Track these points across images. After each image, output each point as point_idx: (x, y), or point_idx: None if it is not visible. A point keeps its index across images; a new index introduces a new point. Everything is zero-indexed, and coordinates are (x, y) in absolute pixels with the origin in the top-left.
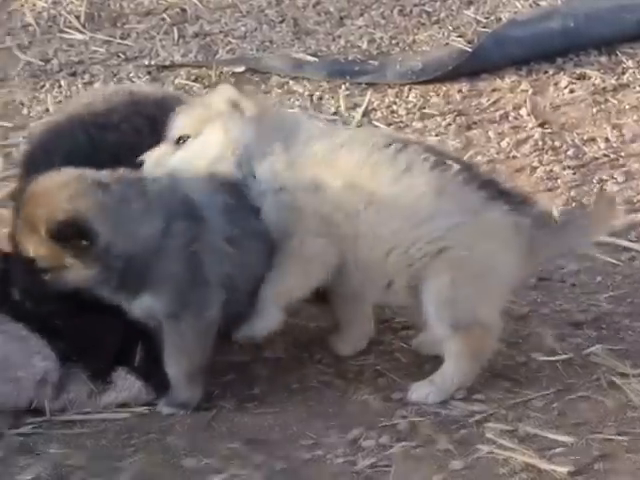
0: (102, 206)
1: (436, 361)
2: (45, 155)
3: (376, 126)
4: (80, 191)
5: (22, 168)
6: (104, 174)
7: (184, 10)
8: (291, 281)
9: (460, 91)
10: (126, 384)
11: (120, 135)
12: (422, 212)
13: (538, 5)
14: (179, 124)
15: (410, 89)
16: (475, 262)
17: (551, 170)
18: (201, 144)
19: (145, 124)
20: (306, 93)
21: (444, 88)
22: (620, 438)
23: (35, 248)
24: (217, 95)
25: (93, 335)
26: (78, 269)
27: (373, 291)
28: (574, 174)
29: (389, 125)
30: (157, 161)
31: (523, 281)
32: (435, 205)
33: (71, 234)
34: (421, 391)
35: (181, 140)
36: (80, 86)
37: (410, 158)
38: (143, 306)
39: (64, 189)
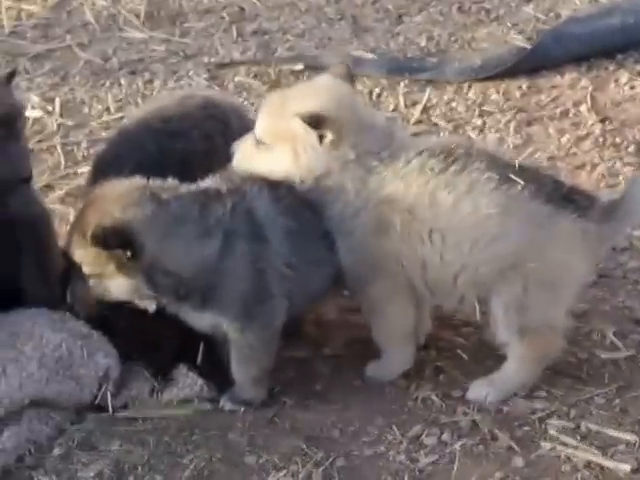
0: (153, 220)
1: (497, 358)
2: (115, 160)
3: (435, 123)
4: (134, 202)
5: (91, 171)
6: (167, 189)
7: (242, 8)
8: (390, 322)
9: (520, 88)
10: (187, 381)
11: (190, 142)
12: (488, 234)
13: (597, 1)
14: (260, 124)
15: (469, 86)
16: (546, 271)
17: (612, 166)
18: (271, 160)
19: (217, 130)
20: (365, 90)
21: (503, 85)
22: None
23: (80, 252)
24: (301, 100)
25: (155, 332)
26: (119, 279)
27: (445, 304)
28: (635, 170)
29: (449, 122)
30: (244, 156)
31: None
32: (502, 225)
33: (114, 242)
34: (480, 390)
35: (259, 143)
36: (140, 84)
37: (471, 179)
38: (208, 321)
39: (120, 198)
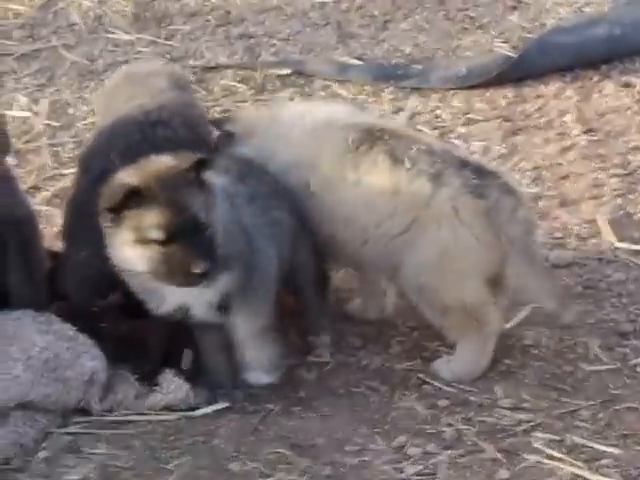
0: None
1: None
2: (100, 155)
3: (420, 130)
4: None
5: (78, 168)
6: None
7: (229, 12)
8: None
9: (505, 97)
10: (173, 386)
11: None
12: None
13: (582, 12)
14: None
15: (454, 94)
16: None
17: (597, 178)
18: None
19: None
20: (350, 96)
21: (488, 94)
22: None
23: None
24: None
25: (141, 337)
26: None
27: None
28: (620, 182)
29: (434, 129)
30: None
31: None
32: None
33: None
34: (440, 366)
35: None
36: None
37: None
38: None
39: None
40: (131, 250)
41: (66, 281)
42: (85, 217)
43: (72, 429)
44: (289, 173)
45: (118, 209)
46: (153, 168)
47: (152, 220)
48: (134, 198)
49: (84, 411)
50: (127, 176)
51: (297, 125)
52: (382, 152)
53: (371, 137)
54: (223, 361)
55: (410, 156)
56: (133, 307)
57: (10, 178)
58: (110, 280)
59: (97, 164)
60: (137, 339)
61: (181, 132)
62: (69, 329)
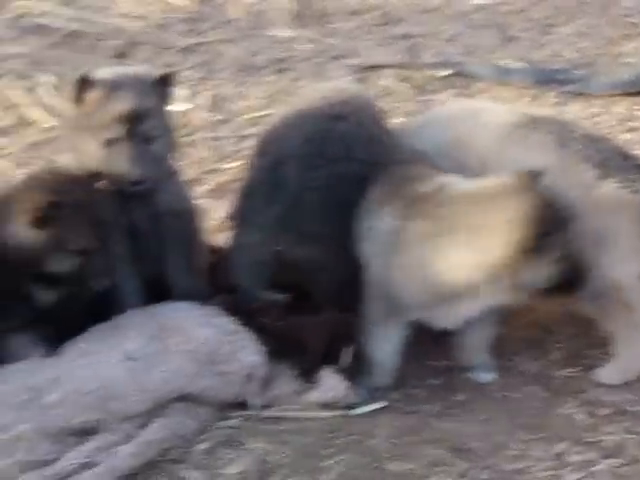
0: None
1: None
2: (278, 140)
3: None
4: None
5: (256, 150)
6: None
7: (388, 12)
8: None
9: None
10: (331, 384)
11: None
12: None
13: None
14: None
15: (617, 101)
16: None
17: None
18: None
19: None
20: (511, 99)
21: None
22: None
23: None
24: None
25: (303, 333)
26: None
27: None
28: None
29: None
30: None
31: None
32: None
33: None
34: (609, 373)
35: None
36: (285, 83)
37: None
38: None
39: None
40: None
41: (233, 263)
42: (258, 200)
43: (231, 423)
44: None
45: None
46: None
47: None
48: None
49: (243, 405)
50: None
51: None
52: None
53: (536, 121)
54: (390, 361)
55: (575, 140)
56: (295, 304)
57: (172, 172)
58: (277, 269)
59: (274, 149)
60: (298, 336)
61: (359, 129)
62: (230, 323)
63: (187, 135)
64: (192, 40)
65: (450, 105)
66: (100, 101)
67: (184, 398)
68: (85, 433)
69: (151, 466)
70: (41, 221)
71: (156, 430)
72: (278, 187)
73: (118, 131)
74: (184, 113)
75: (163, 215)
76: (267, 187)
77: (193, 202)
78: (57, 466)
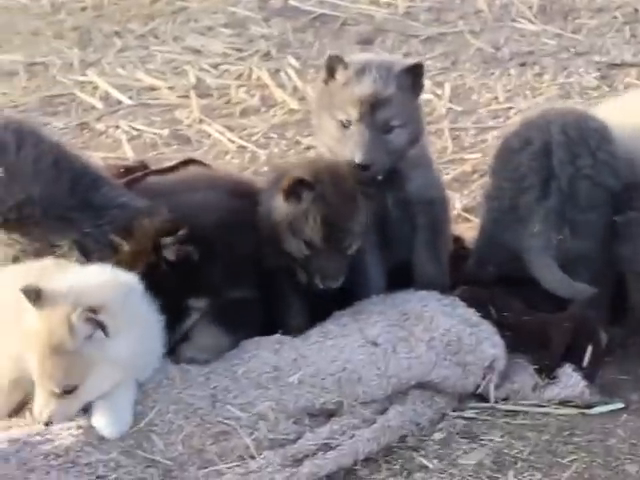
0: None
1: None
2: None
3: None
4: None
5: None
6: None
7: (637, 9)
8: None
9: None
10: (571, 381)
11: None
12: None
13: None
14: None
15: None
16: None
17: None
18: None
19: None
20: None
21: None
22: None
23: None
24: None
25: (545, 330)
26: None
27: None
28: None
29: None
30: None
31: None
32: None
33: None
34: None
35: None
36: (529, 77)
37: None
38: None
39: None
40: None
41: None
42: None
43: (467, 414)
44: None
45: None
46: None
47: None
48: None
49: (479, 397)
50: None
51: None
52: None
53: None
54: None
55: None
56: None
57: (424, 161)
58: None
59: (538, 137)
60: (541, 331)
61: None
62: (473, 314)
63: (429, 124)
64: (437, 29)
65: None
66: (345, 83)
67: (423, 386)
68: (324, 415)
69: (388, 451)
70: (288, 197)
71: (394, 416)
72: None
73: (354, 114)
74: (427, 102)
75: (414, 204)
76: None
77: (444, 192)
78: (297, 445)
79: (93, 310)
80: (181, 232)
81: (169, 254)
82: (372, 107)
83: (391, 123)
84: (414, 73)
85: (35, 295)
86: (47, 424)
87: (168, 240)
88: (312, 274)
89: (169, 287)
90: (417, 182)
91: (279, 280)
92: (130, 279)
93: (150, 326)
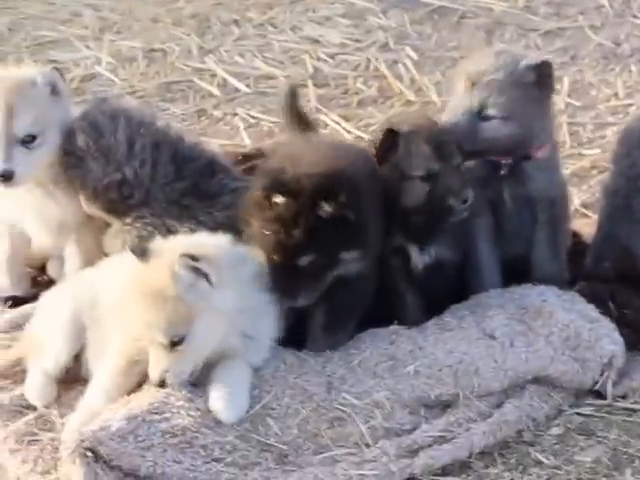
0: None
1: None
2: None
3: None
4: None
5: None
6: None
7: None
8: None
9: None
10: None
11: None
12: None
13: None
14: None
15: None
16: None
17: None
18: None
19: None
20: None
21: None
22: None
23: None
24: None
25: None
26: None
27: None
28: None
29: None
30: None
31: None
32: None
33: None
34: None
35: None
36: None
37: None
38: None
39: None
40: None
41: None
42: None
43: (584, 410)
44: None
45: None
46: None
47: None
48: None
49: (596, 393)
50: None
51: None
52: None
53: None
54: None
55: None
56: None
57: (556, 164)
58: None
59: None
60: None
61: None
62: (592, 310)
63: None
64: (556, 24)
65: None
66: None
67: (539, 381)
68: (439, 406)
69: (504, 446)
70: (382, 153)
71: (510, 410)
72: None
73: (465, 94)
74: None
75: (536, 201)
76: None
77: (566, 190)
78: (414, 436)
79: (196, 258)
80: (340, 196)
81: (326, 214)
82: (480, 89)
83: (491, 112)
84: (540, 71)
85: (142, 252)
86: (162, 385)
87: (326, 206)
88: (443, 197)
89: (323, 241)
90: (541, 183)
91: (394, 276)
92: (240, 248)
93: (260, 301)
